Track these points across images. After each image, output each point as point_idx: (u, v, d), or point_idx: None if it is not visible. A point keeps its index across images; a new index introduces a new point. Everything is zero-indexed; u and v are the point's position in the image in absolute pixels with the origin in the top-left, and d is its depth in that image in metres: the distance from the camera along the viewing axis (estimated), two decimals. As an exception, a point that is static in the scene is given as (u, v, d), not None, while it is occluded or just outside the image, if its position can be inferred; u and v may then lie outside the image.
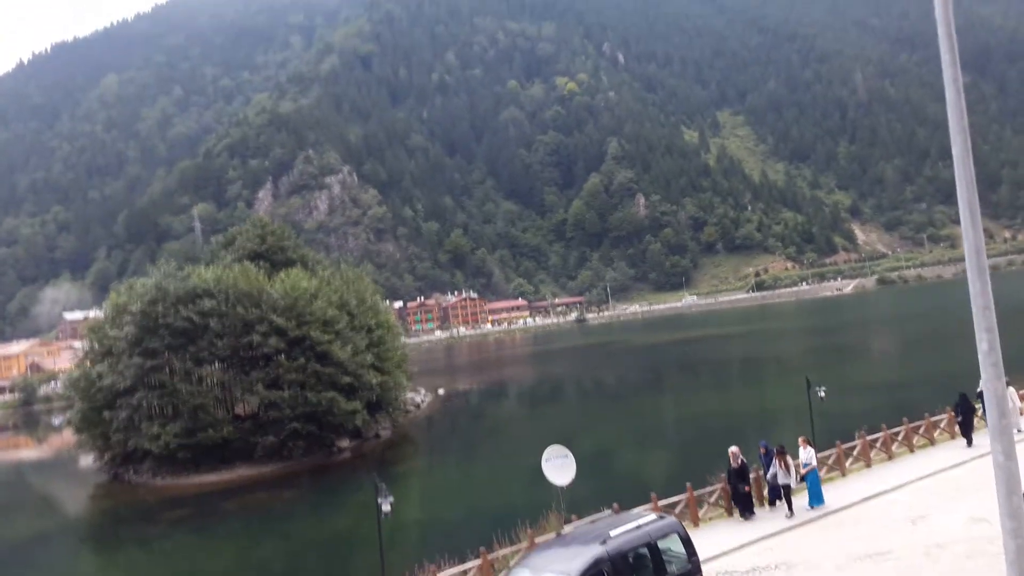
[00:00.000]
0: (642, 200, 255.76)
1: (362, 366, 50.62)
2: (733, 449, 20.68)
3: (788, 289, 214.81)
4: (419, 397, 71.46)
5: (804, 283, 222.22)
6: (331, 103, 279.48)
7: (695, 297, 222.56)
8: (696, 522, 20.23)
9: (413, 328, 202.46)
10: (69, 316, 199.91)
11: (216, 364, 48.23)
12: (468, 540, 22.61)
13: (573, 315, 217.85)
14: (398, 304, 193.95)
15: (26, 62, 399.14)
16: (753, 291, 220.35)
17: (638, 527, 13.78)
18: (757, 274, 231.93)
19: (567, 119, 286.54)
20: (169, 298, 48.49)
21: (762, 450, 21.24)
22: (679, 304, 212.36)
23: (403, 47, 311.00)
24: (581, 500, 22.82)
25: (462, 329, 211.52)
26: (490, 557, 18.20)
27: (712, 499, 21.51)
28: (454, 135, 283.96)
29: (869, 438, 24.75)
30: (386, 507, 18.78)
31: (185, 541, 35.20)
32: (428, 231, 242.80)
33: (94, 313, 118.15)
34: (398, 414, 59.76)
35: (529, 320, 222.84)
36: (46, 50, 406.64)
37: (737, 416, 46.04)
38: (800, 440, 21.19)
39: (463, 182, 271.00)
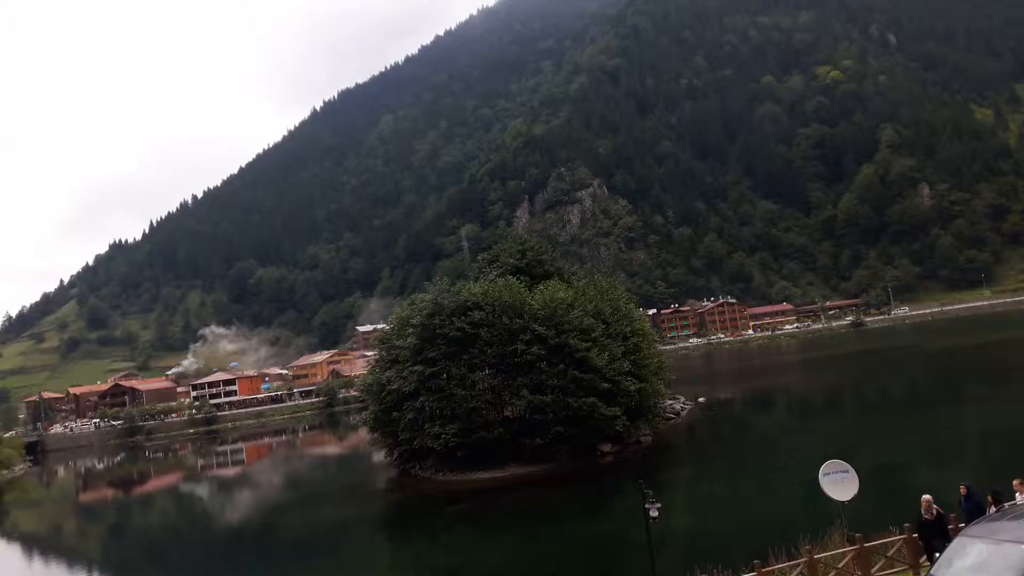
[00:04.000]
0: (926, 190, 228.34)
1: (619, 372, 50.97)
2: (927, 497, 17.03)
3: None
4: (678, 405, 70.17)
5: None
6: (581, 120, 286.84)
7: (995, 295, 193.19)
8: None
9: (668, 335, 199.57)
10: (361, 329, 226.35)
11: (486, 370, 51.35)
12: (738, 552, 21.78)
13: (847, 319, 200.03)
14: (652, 311, 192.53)
15: (318, 109, 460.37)
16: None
17: None
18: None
19: (831, 109, 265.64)
20: (444, 311, 52.82)
21: (963, 491, 17.14)
22: (980, 303, 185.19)
23: (650, 58, 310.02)
24: (866, 518, 20.96)
25: (720, 336, 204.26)
26: (765, 571, 17.31)
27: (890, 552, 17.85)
28: (705, 138, 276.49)
29: None
30: (654, 512, 18.75)
31: (465, 534, 37.87)
32: (680, 237, 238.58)
33: (382, 326, 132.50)
34: (658, 421, 59.28)
35: (796, 325, 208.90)
36: (334, 97, 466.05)
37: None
38: (1015, 483, 15.74)
39: (716, 185, 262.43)
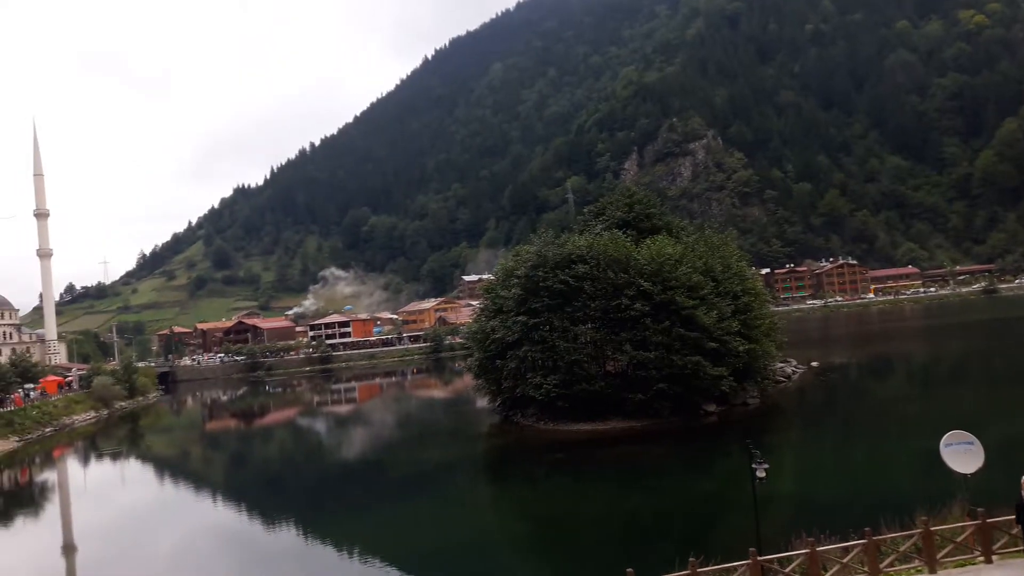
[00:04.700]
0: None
1: (728, 332, 49.78)
2: None
3: None
4: (790, 368, 67.96)
5: None
6: (696, 68, 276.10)
7: None
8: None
9: (782, 296, 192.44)
10: (467, 278, 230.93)
11: (589, 324, 51.25)
12: (846, 519, 21.18)
13: (979, 285, 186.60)
14: (765, 271, 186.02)
15: (430, 58, 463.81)
16: None
17: None
18: None
19: (973, 58, 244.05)
20: (548, 263, 52.89)
21: None
22: None
23: (773, 1, 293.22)
24: (991, 492, 19.76)
25: (838, 298, 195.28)
26: (876, 539, 16.67)
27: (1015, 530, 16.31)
28: (830, 87, 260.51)
29: None
30: (760, 473, 18.37)
31: (564, 483, 38.41)
32: (799, 193, 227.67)
33: (487, 276, 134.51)
34: (767, 383, 57.77)
35: (921, 290, 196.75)
36: (445, 45, 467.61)
37: None
38: None
39: (840, 138, 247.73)
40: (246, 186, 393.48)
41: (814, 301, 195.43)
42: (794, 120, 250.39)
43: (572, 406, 49.44)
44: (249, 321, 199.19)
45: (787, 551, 17.22)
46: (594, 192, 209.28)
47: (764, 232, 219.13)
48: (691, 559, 15.63)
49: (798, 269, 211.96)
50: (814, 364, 72.99)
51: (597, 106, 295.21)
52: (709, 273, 53.05)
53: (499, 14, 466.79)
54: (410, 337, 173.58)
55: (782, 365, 65.93)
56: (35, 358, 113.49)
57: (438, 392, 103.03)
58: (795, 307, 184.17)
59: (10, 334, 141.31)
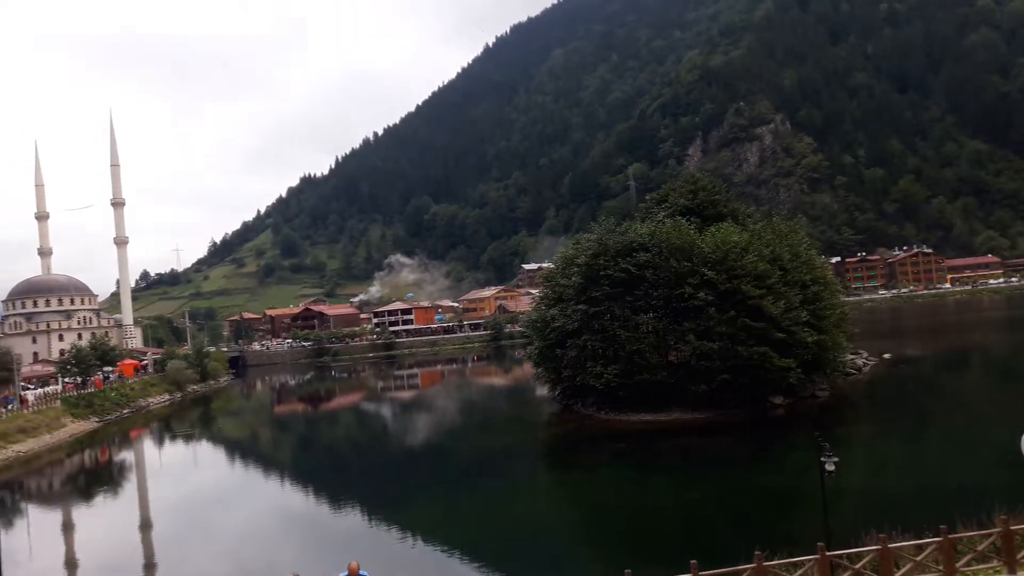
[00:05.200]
0: None
1: (796, 323, 48.46)
2: None
3: None
4: (860, 360, 65.91)
5: None
6: (764, 50, 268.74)
7: None
8: None
9: (853, 286, 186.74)
10: (527, 266, 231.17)
11: (651, 313, 50.58)
12: (919, 516, 20.52)
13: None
14: (835, 260, 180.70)
15: (490, 45, 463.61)
16: None
17: None
18: None
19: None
20: (609, 252, 52.39)
21: None
22: None
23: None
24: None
25: (912, 288, 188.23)
26: (952, 537, 16.03)
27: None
28: (905, 69, 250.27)
29: None
30: (829, 466, 17.88)
31: (625, 472, 38.14)
32: (871, 179, 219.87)
33: (546, 264, 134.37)
34: (837, 376, 56.20)
35: (1002, 280, 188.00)
36: (506, 32, 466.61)
37: None
38: None
39: (915, 121, 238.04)
40: (312, 175, 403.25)
41: (887, 291, 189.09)
42: (866, 103, 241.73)
43: (633, 396, 48.98)
44: (315, 308, 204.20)
45: (857, 547, 16.73)
46: (656, 179, 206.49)
47: (834, 220, 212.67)
48: (756, 552, 15.32)
49: (870, 258, 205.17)
50: (886, 356, 70.61)
51: (660, 91, 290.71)
52: (776, 262, 51.67)
53: (560, 0, 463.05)
54: (470, 325, 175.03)
55: (852, 357, 63.97)
56: (113, 342, 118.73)
57: (498, 380, 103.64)
58: (867, 297, 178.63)
59: (90, 319, 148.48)
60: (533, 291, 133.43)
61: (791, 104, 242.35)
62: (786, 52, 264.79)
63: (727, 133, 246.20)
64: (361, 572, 15.23)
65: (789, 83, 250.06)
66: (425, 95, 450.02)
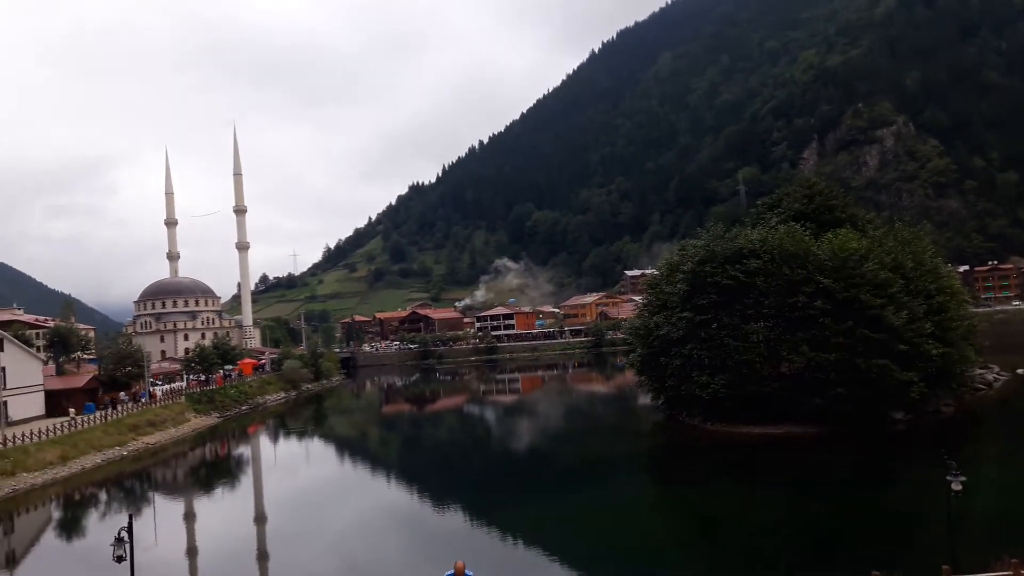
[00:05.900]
0: None
1: (919, 335, 45.77)
2: None
3: None
4: (991, 375, 61.44)
5: None
6: (885, 49, 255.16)
7: None
8: None
9: (983, 296, 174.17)
10: (629, 273, 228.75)
11: (761, 322, 48.96)
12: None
13: None
14: (964, 268, 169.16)
15: (596, 51, 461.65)
16: None
17: None
18: None
19: None
20: (717, 258, 51.09)
21: None
22: None
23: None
24: None
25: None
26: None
27: None
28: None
29: None
30: (956, 486, 16.81)
31: (732, 486, 37.03)
32: (1004, 183, 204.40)
33: (650, 271, 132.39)
34: (964, 391, 52.74)
35: None
36: (612, 38, 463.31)
37: None
38: None
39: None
40: (420, 183, 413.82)
41: (1020, 302, 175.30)
42: (999, 102, 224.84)
43: (741, 407, 47.50)
44: (422, 311, 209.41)
45: (987, 572, 15.62)
46: (768, 183, 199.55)
47: (963, 226, 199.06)
48: (874, 572, 14.58)
49: (1002, 267, 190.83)
50: (1020, 371, 65.49)
51: (773, 93, 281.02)
52: (899, 270, 48.98)
53: (669, 3, 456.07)
54: (571, 331, 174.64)
55: (982, 371, 59.77)
56: (233, 342, 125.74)
57: (599, 387, 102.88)
58: (998, 308, 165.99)
59: (212, 319, 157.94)
60: (636, 298, 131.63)
61: (914, 105, 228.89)
62: (909, 50, 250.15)
63: (844, 135, 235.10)
64: (467, 572, 15.47)
65: (912, 83, 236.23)
66: (530, 103, 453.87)
